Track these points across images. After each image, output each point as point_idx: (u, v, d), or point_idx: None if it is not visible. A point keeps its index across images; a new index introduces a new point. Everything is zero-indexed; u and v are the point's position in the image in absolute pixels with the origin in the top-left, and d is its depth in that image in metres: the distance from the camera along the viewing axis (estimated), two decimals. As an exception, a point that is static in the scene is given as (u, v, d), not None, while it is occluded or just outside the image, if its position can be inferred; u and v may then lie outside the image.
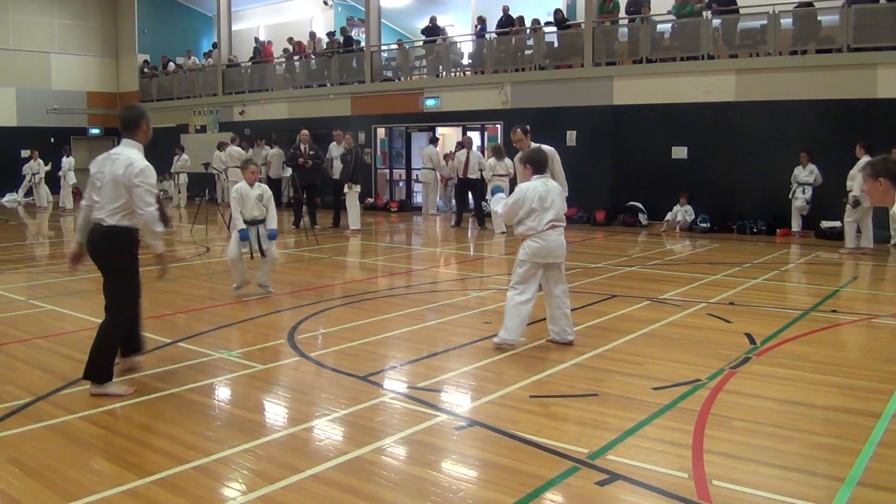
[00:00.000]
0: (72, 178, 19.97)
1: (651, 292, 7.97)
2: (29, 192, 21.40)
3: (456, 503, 3.28)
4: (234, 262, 7.85)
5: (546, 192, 5.77)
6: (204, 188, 19.08)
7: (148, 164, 4.71)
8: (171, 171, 21.51)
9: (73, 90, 25.28)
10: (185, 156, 20.92)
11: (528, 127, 7.85)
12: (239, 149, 18.90)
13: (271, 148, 19.94)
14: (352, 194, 14.30)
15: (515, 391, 4.77)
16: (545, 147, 7.84)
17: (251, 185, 7.82)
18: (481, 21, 18.22)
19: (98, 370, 4.63)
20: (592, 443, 3.89)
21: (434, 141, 18.38)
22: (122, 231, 4.66)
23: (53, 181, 20.71)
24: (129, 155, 4.70)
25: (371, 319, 6.87)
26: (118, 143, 4.87)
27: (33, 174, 20.71)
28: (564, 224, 5.89)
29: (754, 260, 10.65)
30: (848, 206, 11.16)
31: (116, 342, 4.78)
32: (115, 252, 4.70)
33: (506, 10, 17.84)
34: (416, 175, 19.48)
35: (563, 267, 5.97)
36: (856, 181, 10.64)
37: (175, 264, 10.68)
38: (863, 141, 10.98)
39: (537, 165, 5.91)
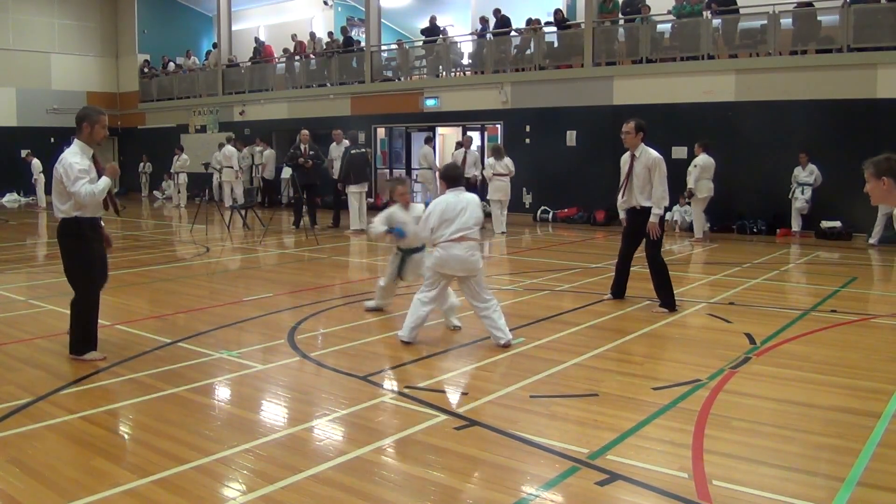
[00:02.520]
0: None
1: (651, 292, 7.94)
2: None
3: (456, 503, 3.28)
4: (387, 286, 6.97)
5: (456, 202, 5.81)
6: (204, 188, 19.05)
7: (72, 158, 5.25)
8: (171, 171, 21.50)
9: (73, 90, 25.25)
10: (184, 156, 20.90)
11: (644, 123, 7.16)
12: (233, 148, 18.85)
13: (264, 149, 19.93)
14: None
15: (515, 391, 4.77)
16: (652, 153, 7.17)
17: (406, 207, 6.66)
18: (483, 21, 18.20)
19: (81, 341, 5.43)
20: (592, 443, 3.89)
21: (428, 141, 18.38)
22: (71, 221, 5.34)
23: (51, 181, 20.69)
24: (64, 154, 5.32)
25: (371, 319, 6.87)
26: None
27: (40, 173, 20.66)
28: (474, 238, 5.79)
29: (754, 260, 10.65)
30: (690, 199, 12.87)
31: (87, 315, 5.48)
32: (66, 238, 5.40)
33: (497, 12, 17.83)
34: (416, 175, 19.51)
35: (476, 282, 5.78)
36: (691, 175, 12.60)
37: (175, 264, 10.70)
38: (703, 141, 12.76)
39: (450, 180, 6.02)
